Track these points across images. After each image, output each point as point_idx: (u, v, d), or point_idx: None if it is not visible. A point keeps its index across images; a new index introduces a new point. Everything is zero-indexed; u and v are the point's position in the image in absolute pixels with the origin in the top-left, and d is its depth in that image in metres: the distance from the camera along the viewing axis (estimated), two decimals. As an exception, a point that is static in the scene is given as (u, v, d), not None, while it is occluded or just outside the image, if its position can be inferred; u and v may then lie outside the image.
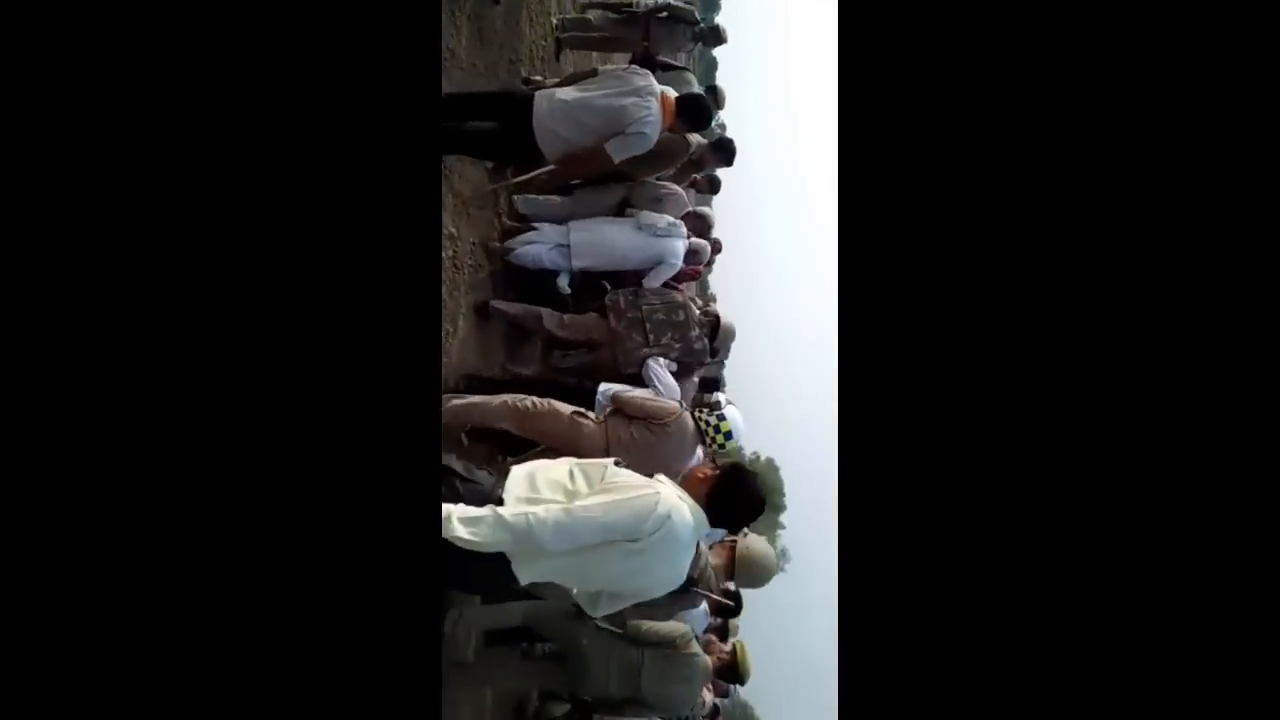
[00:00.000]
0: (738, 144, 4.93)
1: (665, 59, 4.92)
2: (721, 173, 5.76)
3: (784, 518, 51.70)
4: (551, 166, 3.58)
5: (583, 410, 3.22)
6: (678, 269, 4.23)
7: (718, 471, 2.20)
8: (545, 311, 3.92)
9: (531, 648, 3.04)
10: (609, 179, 4.22)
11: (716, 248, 5.71)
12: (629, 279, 4.10)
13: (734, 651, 3.65)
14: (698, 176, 5.34)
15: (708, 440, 3.44)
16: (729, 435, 3.46)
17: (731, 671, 3.64)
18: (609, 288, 4.02)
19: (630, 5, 5.13)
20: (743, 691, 4.90)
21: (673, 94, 3.55)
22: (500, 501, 1.95)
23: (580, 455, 2.41)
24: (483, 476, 2.11)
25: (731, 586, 3.61)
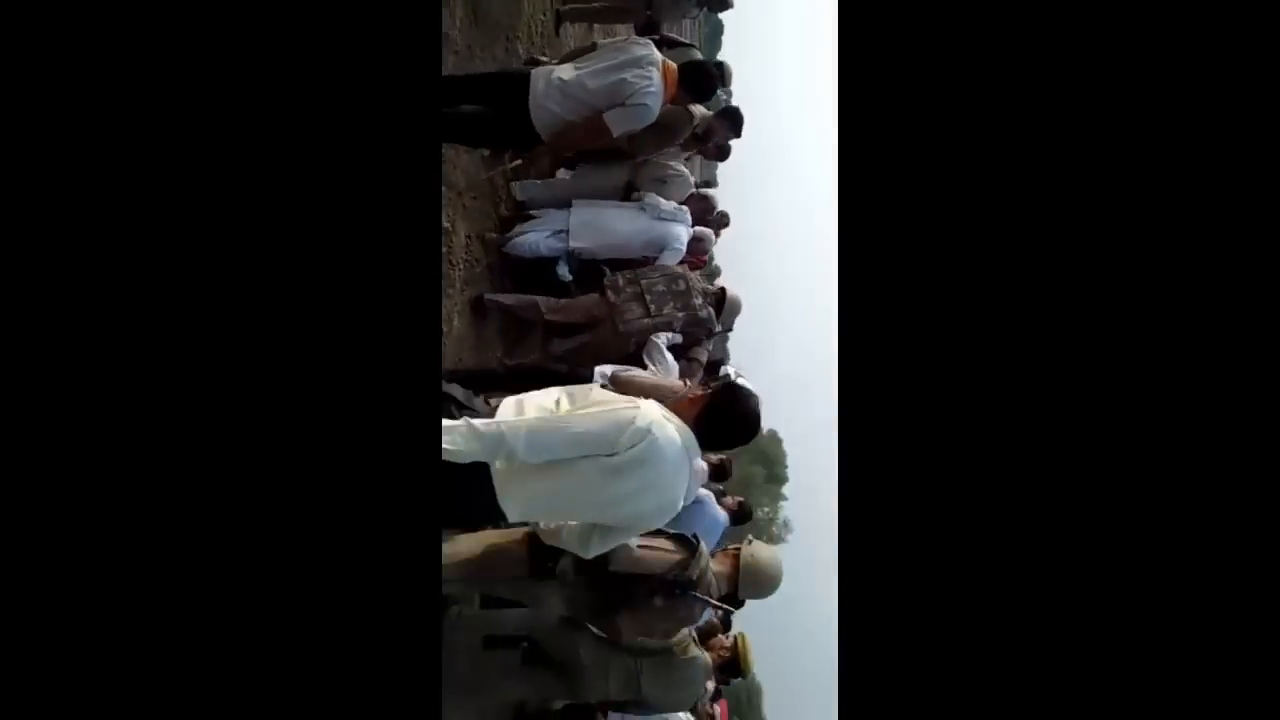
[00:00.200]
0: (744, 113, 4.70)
1: (671, 35, 4.69)
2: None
3: (786, 489, 51.37)
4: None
5: None
6: (681, 255, 4.05)
7: (709, 390, 2.10)
8: (542, 299, 3.76)
9: (533, 650, 2.93)
10: (610, 158, 4.06)
11: (724, 222, 5.56)
12: (631, 266, 3.91)
13: (735, 646, 3.55)
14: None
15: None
16: None
17: (733, 666, 3.56)
18: (609, 272, 3.85)
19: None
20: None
21: (674, 65, 3.39)
22: None
23: None
24: (479, 404, 2.21)
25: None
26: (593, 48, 3.50)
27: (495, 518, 1.94)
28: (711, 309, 3.76)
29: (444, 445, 1.80)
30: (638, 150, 4.04)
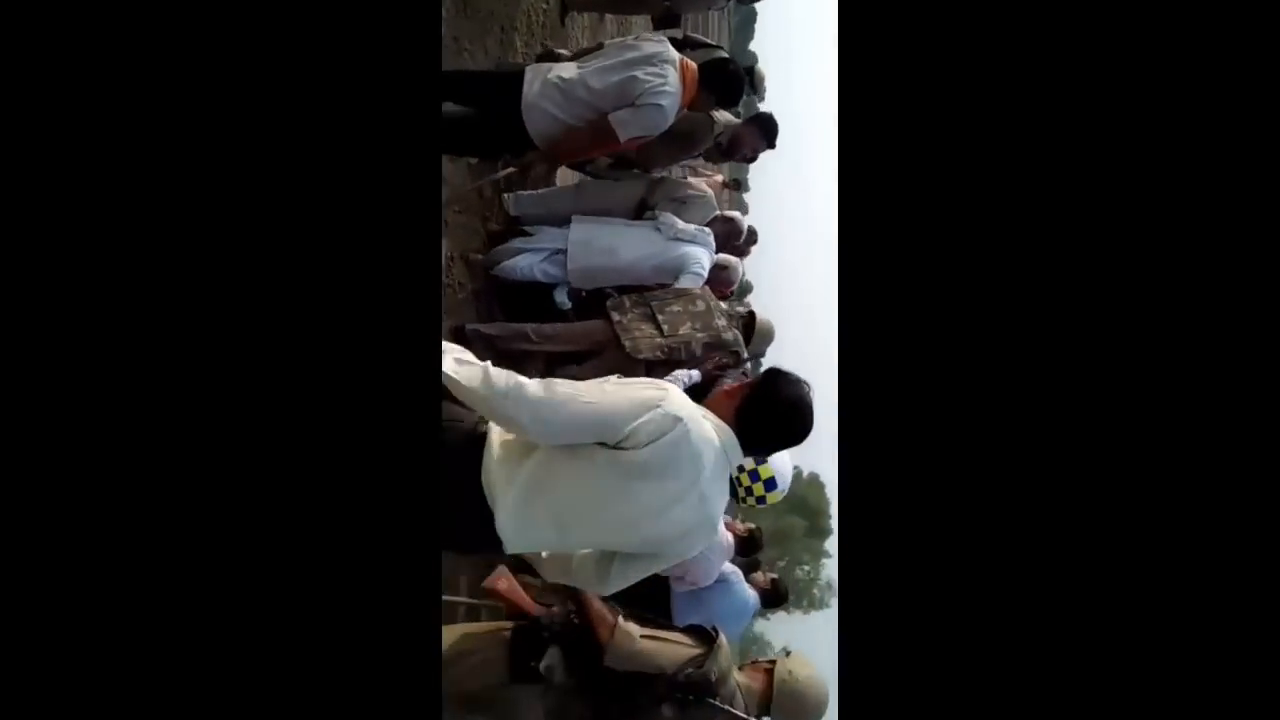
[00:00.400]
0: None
1: (695, 36, 4.13)
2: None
3: (829, 543, 43.23)
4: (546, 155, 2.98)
5: None
6: (701, 282, 3.49)
7: (747, 381, 1.79)
8: (532, 326, 3.26)
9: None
10: (620, 169, 3.58)
11: (752, 238, 5.05)
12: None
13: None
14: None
15: (740, 495, 2.73)
16: (770, 485, 2.72)
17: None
18: (615, 294, 3.37)
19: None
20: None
21: (694, 64, 2.95)
22: None
23: None
24: None
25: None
26: (599, 48, 3.08)
27: (494, 544, 1.66)
28: (739, 333, 3.25)
29: (454, 371, 1.59)
30: (650, 162, 3.63)
